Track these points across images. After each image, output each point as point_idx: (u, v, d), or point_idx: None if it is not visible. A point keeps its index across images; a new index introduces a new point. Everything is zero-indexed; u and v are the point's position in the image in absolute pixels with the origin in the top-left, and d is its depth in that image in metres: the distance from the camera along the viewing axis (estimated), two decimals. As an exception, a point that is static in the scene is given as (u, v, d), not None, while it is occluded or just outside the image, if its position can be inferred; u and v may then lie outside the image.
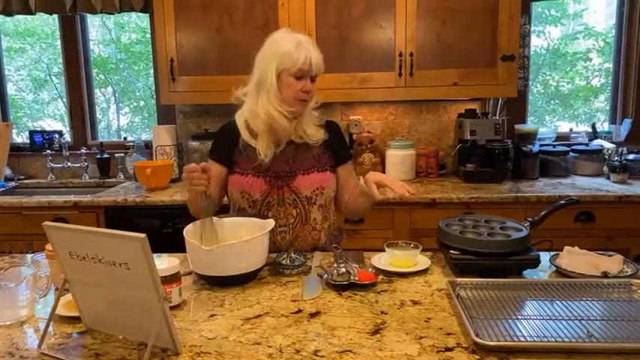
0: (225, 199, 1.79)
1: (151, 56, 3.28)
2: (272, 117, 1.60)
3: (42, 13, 3.09)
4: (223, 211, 1.76)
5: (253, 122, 1.65)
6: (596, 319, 1.11)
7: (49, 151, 3.22)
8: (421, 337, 1.07)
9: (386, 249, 1.50)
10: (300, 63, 1.57)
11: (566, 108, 3.50)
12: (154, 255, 0.96)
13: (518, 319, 1.12)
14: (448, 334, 1.08)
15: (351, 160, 1.80)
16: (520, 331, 1.06)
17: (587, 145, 3.00)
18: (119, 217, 2.57)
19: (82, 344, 1.08)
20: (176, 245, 1.59)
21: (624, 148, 2.78)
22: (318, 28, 2.68)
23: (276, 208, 1.65)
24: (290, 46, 1.58)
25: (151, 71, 3.36)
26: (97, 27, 3.56)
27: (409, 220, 2.51)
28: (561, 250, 1.51)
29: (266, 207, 1.66)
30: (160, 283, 0.97)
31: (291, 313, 1.21)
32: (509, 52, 2.63)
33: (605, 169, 2.84)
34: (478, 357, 0.98)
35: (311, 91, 1.62)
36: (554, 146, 2.99)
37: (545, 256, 1.47)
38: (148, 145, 3.19)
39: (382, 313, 1.19)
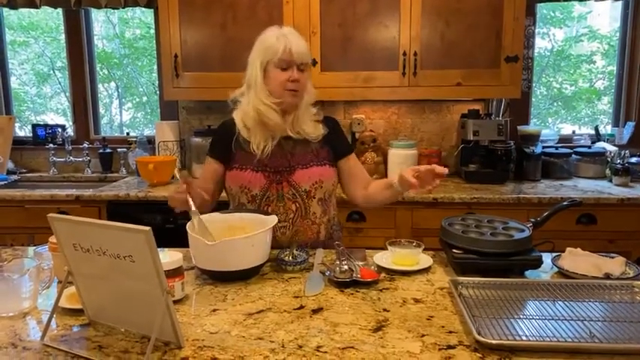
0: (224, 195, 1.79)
1: (155, 52, 3.28)
2: (260, 112, 1.63)
3: (46, 7, 3.10)
4: (222, 207, 1.76)
5: (246, 119, 1.68)
6: (599, 320, 1.11)
7: (51, 145, 3.22)
8: (423, 335, 1.07)
9: (388, 247, 1.50)
10: (280, 52, 1.59)
11: (569, 110, 3.50)
12: (157, 249, 0.96)
13: (520, 318, 1.13)
14: (450, 332, 1.08)
15: (353, 153, 1.79)
16: (522, 330, 1.06)
17: (589, 147, 3.00)
18: (121, 211, 2.57)
19: (84, 336, 1.08)
20: (178, 241, 1.59)
21: (627, 151, 2.78)
22: (322, 27, 2.68)
23: (275, 204, 1.66)
24: (272, 39, 1.62)
25: (155, 67, 3.36)
26: (101, 22, 3.56)
27: (411, 219, 2.51)
28: (563, 252, 1.51)
29: (265, 202, 1.66)
30: (164, 276, 0.97)
31: (294, 309, 1.21)
32: (513, 53, 2.63)
33: (608, 171, 2.84)
34: (480, 355, 0.98)
35: (299, 80, 1.61)
36: (556, 148, 2.99)
37: (547, 257, 1.47)
38: (150, 141, 3.19)
39: (384, 310, 1.19)
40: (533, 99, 3.22)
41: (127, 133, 3.41)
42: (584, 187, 2.65)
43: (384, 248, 1.53)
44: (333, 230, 1.79)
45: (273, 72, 1.62)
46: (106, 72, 3.69)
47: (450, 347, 1.02)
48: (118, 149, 3.19)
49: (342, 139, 1.80)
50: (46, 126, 3.34)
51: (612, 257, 1.46)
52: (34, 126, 3.34)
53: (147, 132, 3.54)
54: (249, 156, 1.67)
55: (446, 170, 1.47)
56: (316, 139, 1.70)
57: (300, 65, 1.62)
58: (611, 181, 2.75)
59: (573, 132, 3.29)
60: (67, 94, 3.45)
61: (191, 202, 1.46)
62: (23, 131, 3.57)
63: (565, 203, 1.62)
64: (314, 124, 1.71)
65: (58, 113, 3.72)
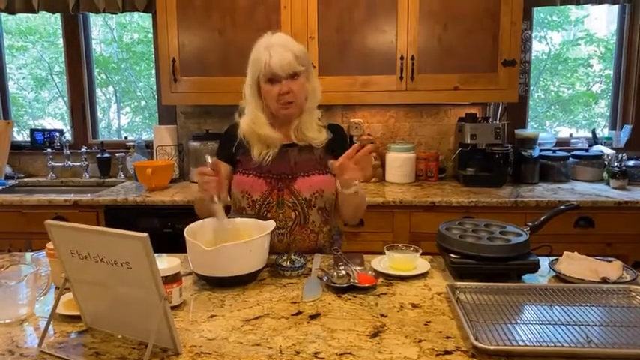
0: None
1: (153, 56, 3.29)
2: (252, 127, 1.65)
3: (44, 12, 3.10)
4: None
5: (245, 130, 1.68)
6: (595, 325, 1.11)
7: (49, 150, 3.22)
8: (420, 340, 1.07)
9: (386, 252, 1.50)
10: (262, 67, 1.56)
11: (567, 113, 3.51)
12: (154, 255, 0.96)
13: (517, 323, 1.13)
14: (447, 337, 1.09)
15: None
16: (519, 335, 1.06)
17: (586, 150, 3.01)
18: (119, 216, 2.57)
19: (82, 343, 1.08)
20: (176, 246, 1.59)
21: (624, 155, 2.79)
22: (320, 31, 2.68)
23: (275, 210, 1.65)
24: (259, 51, 1.59)
25: (153, 71, 3.36)
26: (99, 26, 3.56)
27: (409, 223, 2.51)
28: (561, 256, 1.51)
29: (265, 208, 1.66)
30: (161, 282, 0.98)
31: (291, 314, 1.21)
32: (510, 57, 2.64)
33: (605, 175, 2.84)
34: (477, 361, 0.99)
35: (292, 90, 1.58)
36: (554, 151, 3.00)
37: (544, 261, 1.47)
38: (148, 145, 3.19)
39: (382, 315, 1.19)
40: (530, 102, 3.22)
41: (125, 138, 3.41)
42: (582, 190, 2.66)
43: (381, 253, 1.53)
44: (334, 240, 1.79)
45: (264, 86, 1.61)
46: (104, 76, 3.69)
47: (447, 352, 1.02)
48: (116, 154, 3.19)
49: (345, 148, 1.74)
50: (44, 131, 3.34)
51: (609, 261, 1.47)
52: (32, 131, 3.34)
53: (145, 136, 3.55)
54: (252, 161, 1.67)
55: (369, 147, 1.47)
56: (320, 144, 1.68)
57: (294, 76, 1.59)
58: (608, 184, 2.76)
59: (570, 135, 3.30)
60: (65, 98, 3.45)
61: (215, 196, 1.46)
62: (21, 136, 3.57)
63: (562, 207, 1.62)
64: (318, 128, 1.70)
65: (56, 118, 3.72)
